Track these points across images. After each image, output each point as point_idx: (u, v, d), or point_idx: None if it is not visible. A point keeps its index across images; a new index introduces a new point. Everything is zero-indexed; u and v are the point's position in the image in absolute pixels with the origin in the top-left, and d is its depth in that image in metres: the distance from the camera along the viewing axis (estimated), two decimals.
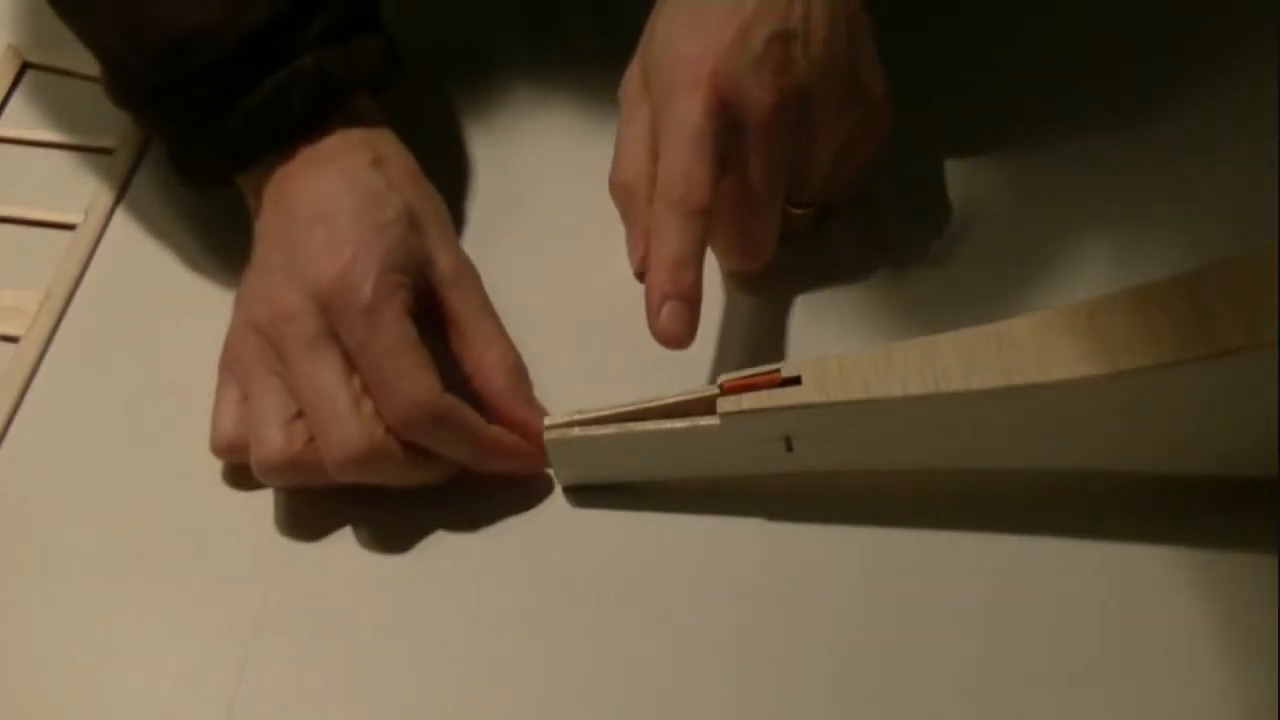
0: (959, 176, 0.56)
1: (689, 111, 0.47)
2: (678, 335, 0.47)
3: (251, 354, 0.48)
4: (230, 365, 0.49)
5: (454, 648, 0.46)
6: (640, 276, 0.48)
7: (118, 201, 0.58)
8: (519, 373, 0.49)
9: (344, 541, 0.48)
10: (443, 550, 0.48)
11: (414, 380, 0.45)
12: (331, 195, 0.49)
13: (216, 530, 0.49)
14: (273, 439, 0.46)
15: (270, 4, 0.49)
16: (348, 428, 0.45)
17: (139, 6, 0.49)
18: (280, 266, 0.48)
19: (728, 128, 0.47)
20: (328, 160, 0.50)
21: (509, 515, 0.49)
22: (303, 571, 0.48)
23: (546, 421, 0.47)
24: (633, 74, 0.51)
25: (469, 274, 0.50)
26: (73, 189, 0.58)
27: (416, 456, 0.47)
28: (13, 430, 0.51)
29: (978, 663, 0.45)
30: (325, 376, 0.46)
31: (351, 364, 0.46)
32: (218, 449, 0.49)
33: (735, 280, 0.53)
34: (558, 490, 0.49)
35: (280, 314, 0.47)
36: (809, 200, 0.52)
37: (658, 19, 0.50)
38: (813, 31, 0.48)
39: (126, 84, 0.51)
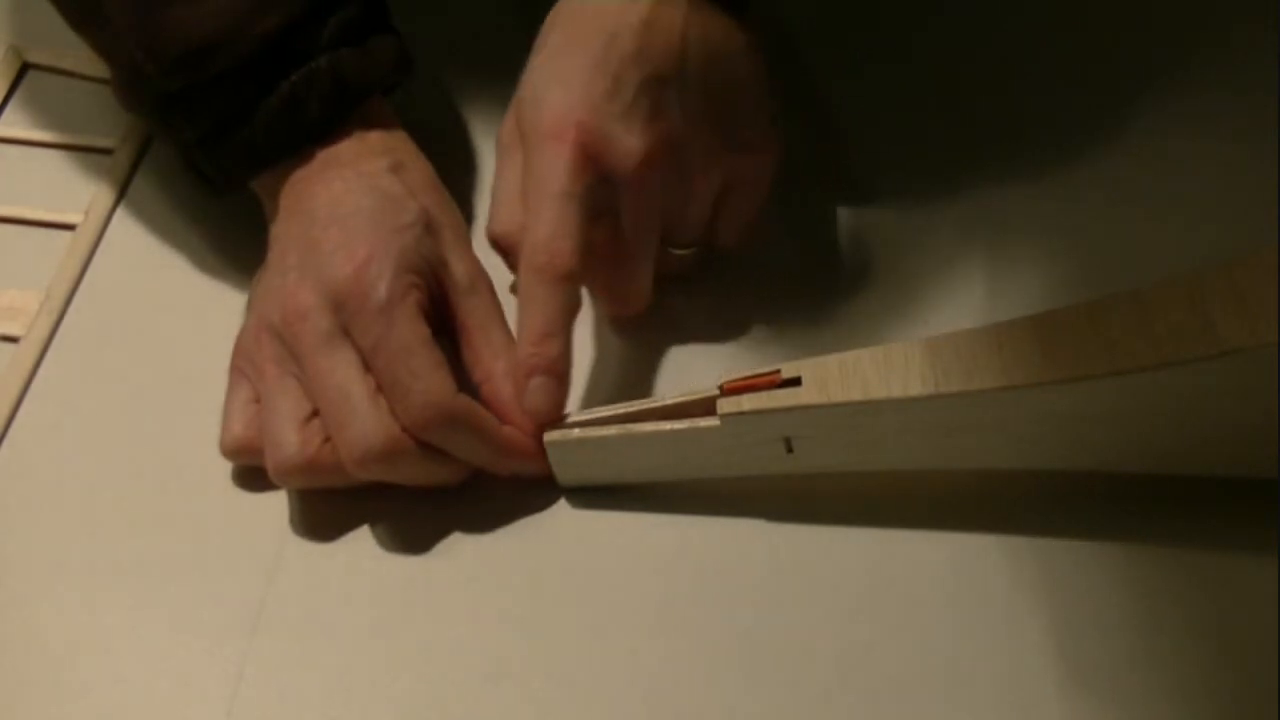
0: (958, 185, 0.56)
1: (554, 170, 0.46)
2: (545, 410, 0.47)
3: (264, 354, 0.48)
4: (242, 366, 0.49)
5: (454, 648, 0.46)
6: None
7: (118, 201, 0.58)
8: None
9: (343, 542, 0.48)
10: (443, 551, 0.48)
11: (429, 380, 0.45)
12: (349, 197, 0.49)
13: (216, 530, 0.49)
14: (289, 441, 0.46)
15: (286, 8, 0.49)
16: (367, 422, 0.45)
17: (157, 15, 0.49)
18: (295, 266, 0.48)
19: (596, 182, 0.47)
20: (346, 164, 0.50)
21: (509, 516, 0.49)
22: (302, 572, 0.48)
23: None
24: (508, 121, 0.50)
25: (483, 282, 0.50)
26: (73, 189, 0.58)
27: (433, 455, 0.47)
28: (13, 430, 0.51)
29: (977, 662, 0.45)
30: (341, 372, 0.46)
31: (365, 364, 0.46)
32: (227, 450, 0.49)
33: (732, 282, 0.53)
34: (558, 491, 0.49)
35: (294, 312, 0.47)
36: (688, 245, 0.52)
37: (530, 66, 0.49)
38: (689, 79, 0.48)
39: (141, 90, 0.50)
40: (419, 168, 0.51)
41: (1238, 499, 0.46)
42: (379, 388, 0.46)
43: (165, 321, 0.54)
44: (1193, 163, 0.56)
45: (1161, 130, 0.57)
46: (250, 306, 0.50)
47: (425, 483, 0.47)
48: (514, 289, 0.49)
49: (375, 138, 0.51)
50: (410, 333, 0.46)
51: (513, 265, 0.49)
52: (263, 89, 0.49)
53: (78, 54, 0.60)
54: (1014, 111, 0.58)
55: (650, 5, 0.48)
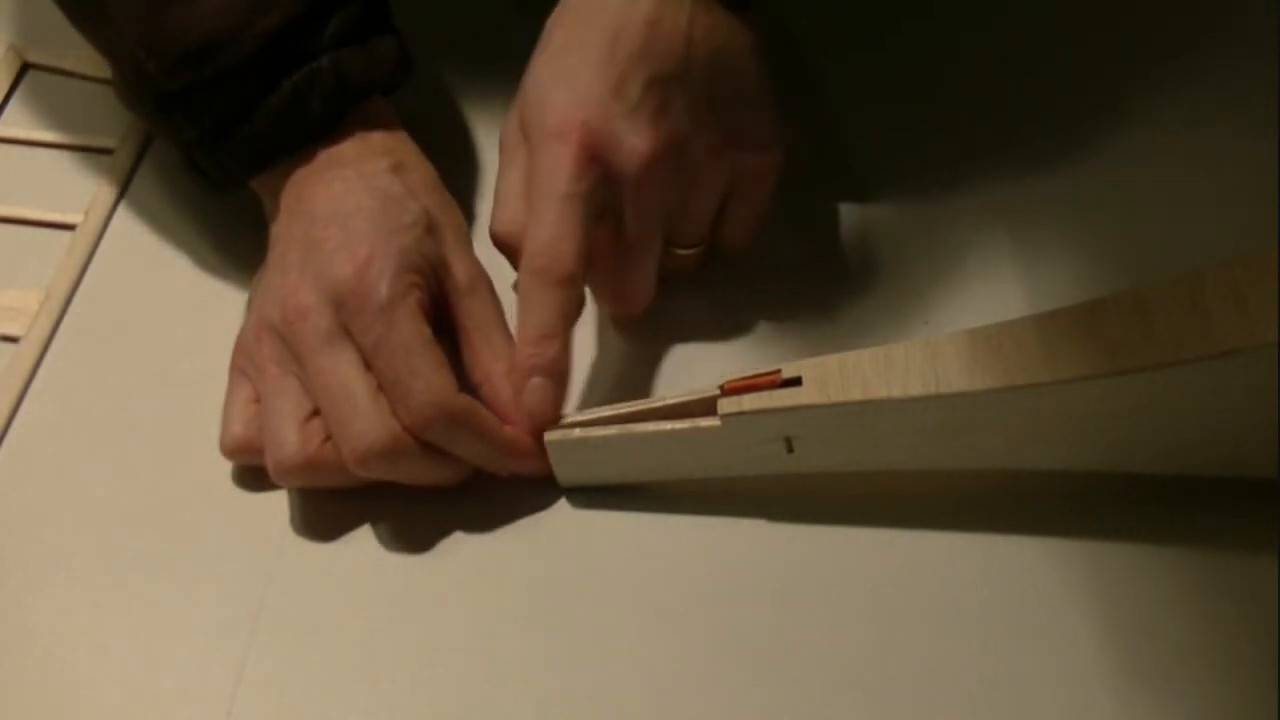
0: (958, 184, 0.56)
1: (557, 170, 0.46)
2: (542, 411, 0.47)
3: (265, 353, 0.48)
4: (242, 365, 0.49)
5: (454, 648, 0.46)
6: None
7: (118, 201, 0.58)
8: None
9: (343, 542, 0.48)
10: (443, 551, 0.48)
11: (430, 380, 0.45)
12: (350, 197, 0.49)
13: (216, 530, 0.49)
14: (289, 440, 0.46)
15: (288, 7, 0.49)
16: (368, 421, 0.45)
17: (159, 13, 0.49)
18: (296, 266, 0.48)
19: (600, 182, 0.47)
20: (347, 164, 0.50)
21: (509, 516, 0.49)
22: (302, 571, 0.48)
23: None
24: (511, 120, 0.50)
25: (484, 283, 0.50)
26: (73, 189, 0.58)
27: (433, 455, 0.47)
28: (13, 430, 0.51)
29: (978, 662, 0.45)
30: (342, 371, 0.46)
31: (366, 363, 0.46)
32: (228, 450, 0.49)
33: (732, 282, 0.53)
34: (559, 491, 0.49)
35: (294, 311, 0.47)
36: (692, 244, 0.52)
37: (533, 65, 0.49)
38: (693, 77, 0.48)
39: (143, 89, 0.50)
40: (420, 168, 0.51)
41: (1238, 499, 0.46)
42: (380, 387, 0.46)
43: (165, 321, 0.54)
44: (1200, 158, 0.56)
45: (1167, 125, 0.57)
46: (250, 306, 0.50)
47: (426, 482, 0.47)
48: (516, 288, 0.49)
49: (376, 138, 0.51)
50: (411, 332, 0.46)
51: (516, 265, 0.49)
52: (264, 88, 0.49)
53: (78, 54, 0.60)
54: (1014, 111, 0.58)
55: (654, 4, 0.48)
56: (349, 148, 0.50)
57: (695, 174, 0.49)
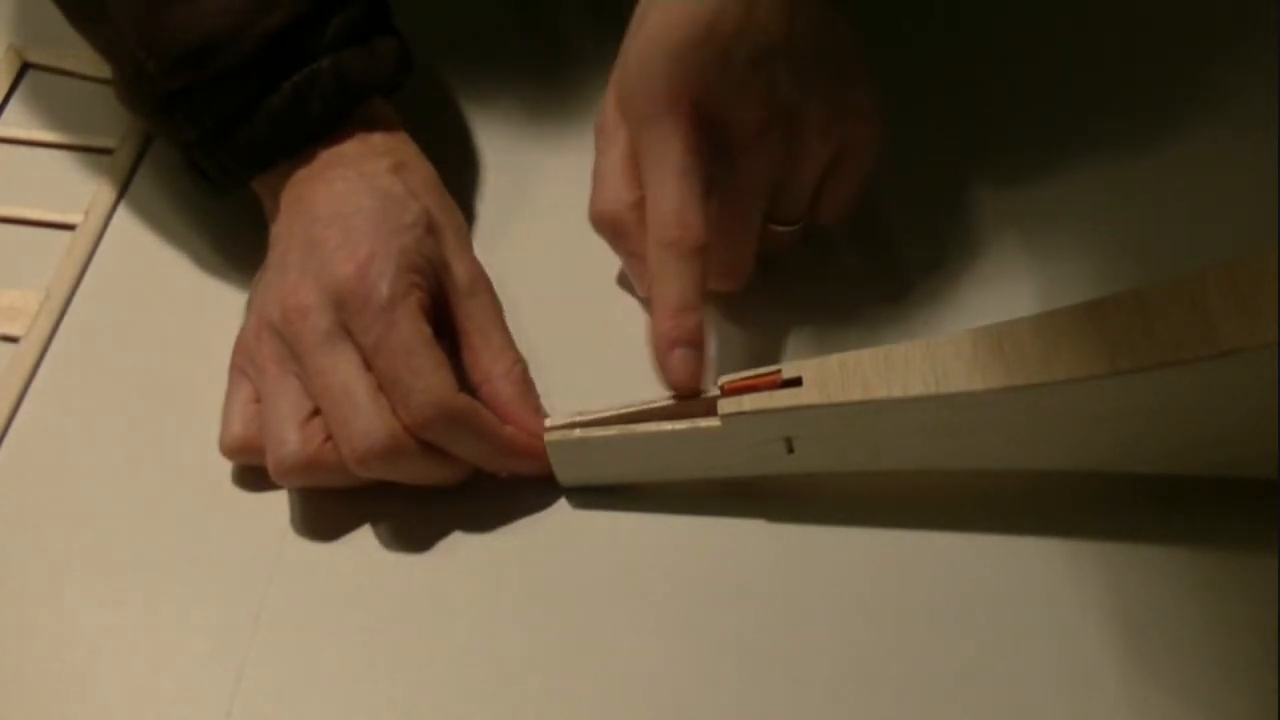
0: (958, 184, 0.56)
1: (671, 143, 0.46)
2: (689, 382, 0.47)
3: (265, 353, 0.48)
4: (243, 365, 0.49)
5: (454, 648, 0.46)
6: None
7: (118, 201, 0.58)
8: (526, 384, 0.49)
9: (343, 542, 0.48)
10: (443, 551, 0.48)
11: (430, 379, 0.45)
12: (351, 197, 0.49)
13: (216, 530, 0.49)
14: (290, 439, 0.46)
15: (289, 7, 0.49)
16: (368, 420, 0.45)
17: (159, 14, 0.49)
18: (296, 265, 0.48)
19: (711, 155, 0.47)
20: (348, 164, 0.50)
21: (509, 516, 0.49)
22: (301, 571, 0.48)
23: (547, 423, 0.47)
24: (609, 101, 0.50)
25: (483, 284, 0.50)
26: (73, 189, 0.58)
27: (433, 454, 0.47)
28: (13, 430, 0.51)
29: (978, 663, 0.45)
30: (343, 370, 0.46)
31: (366, 363, 0.46)
32: (227, 450, 0.49)
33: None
34: (559, 491, 0.49)
35: (294, 310, 0.47)
36: (794, 219, 0.52)
37: (631, 43, 0.49)
38: (796, 48, 0.48)
39: (143, 90, 0.50)
40: (421, 168, 0.51)
41: (1238, 499, 0.46)
42: (380, 387, 0.46)
43: (165, 321, 0.54)
44: (1201, 158, 0.56)
45: (1172, 125, 0.57)
46: (251, 305, 0.50)
47: (426, 482, 0.47)
48: (631, 271, 0.49)
49: (377, 138, 0.51)
50: (412, 332, 0.46)
51: (616, 244, 0.49)
52: (265, 88, 0.49)
53: (78, 54, 0.60)
54: (1014, 111, 0.58)
55: None
56: (349, 148, 0.50)
57: (801, 147, 0.49)
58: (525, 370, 0.49)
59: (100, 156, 0.59)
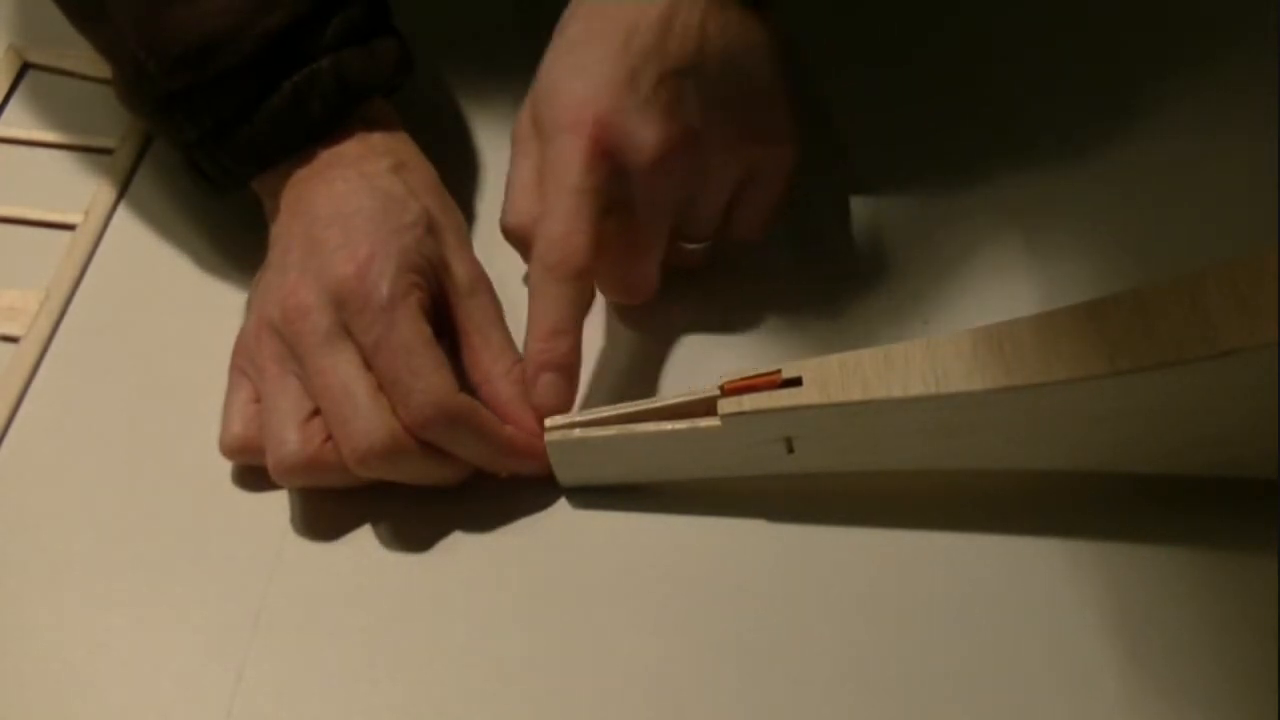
0: (958, 185, 0.56)
1: (569, 163, 0.47)
2: (553, 406, 0.47)
3: (265, 353, 0.48)
4: (243, 365, 0.49)
5: (454, 648, 0.46)
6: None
7: (118, 201, 0.58)
8: (525, 384, 0.49)
9: (343, 541, 0.48)
10: (443, 551, 0.48)
11: (430, 379, 0.45)
12: (351, 197, 0.49)
13: (216, 530, 0.49)
14: (289, 439, 0.46)
15: (289, 7, 0.49)
16: (368, 420, 0.45)
17: (159, 13, 0.49)
18: (296, 265, 0.48)
19: (612, 175, 0.47)
20: (348, 165, 0.50)
21: (509, 516, 0.49)
22: (301, 571, 0.48)
23: (547, 423, 0.47)
24: (524, 114, 0.50)
25: (484, 284, 0.50)
26: (73, 189, 0.58)
27: (433, 454, 0.47)
28: (13, 430, 0.51)
29: (977, 662, 0.45)
30: (343, 370, 0.46)
31: (366, 363, 0.46)
32: (227, 450, 0.49)
33: (733, 282, 0.53)
34: (559, 491, 0.49)
35: (294, 309, 0.47)
36: (702, 238, 0.52)
37: (547, 58, 0.49)
38: (706, 69, 0.48)
39: (144, 90, 0.50)
40: (421, 169, 0.51)
41: (1238, 499, 0.46)
42: (380, 387, 0.46)
43: (165, 321, 0.54)
44: (1202, 158, 0.56)
45: (1172, 124, 0.57)
46: (251, 305, 0.50)
47: (426, 482, 0.47)
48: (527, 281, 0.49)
49: (377, 138, 0.51)
50: (412, 332, 0.46)
51: (526, 258, 0.49)
52: (265, 88, 0.49)
53: (78, 54, 0.60)
54: (1014, 111, 0.58)
55: (668, 1, 0.48)
56: (350, 148, 0.50)
57: (706, 168, 0.49)
58: (524, 370, 0.49)
59: (100, 156, 0.59)
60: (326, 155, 0.50)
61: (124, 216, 0.57)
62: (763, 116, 0.50)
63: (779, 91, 0.50)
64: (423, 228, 0.49)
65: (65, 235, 0.56)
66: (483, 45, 0.61)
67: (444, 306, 0.49)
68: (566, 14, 0.50)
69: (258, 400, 0.48)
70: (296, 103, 0.49)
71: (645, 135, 0.47)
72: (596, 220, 0.47)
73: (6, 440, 0.51)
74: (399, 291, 0.46)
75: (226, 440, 0.48)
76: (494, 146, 0.58)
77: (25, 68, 0.62)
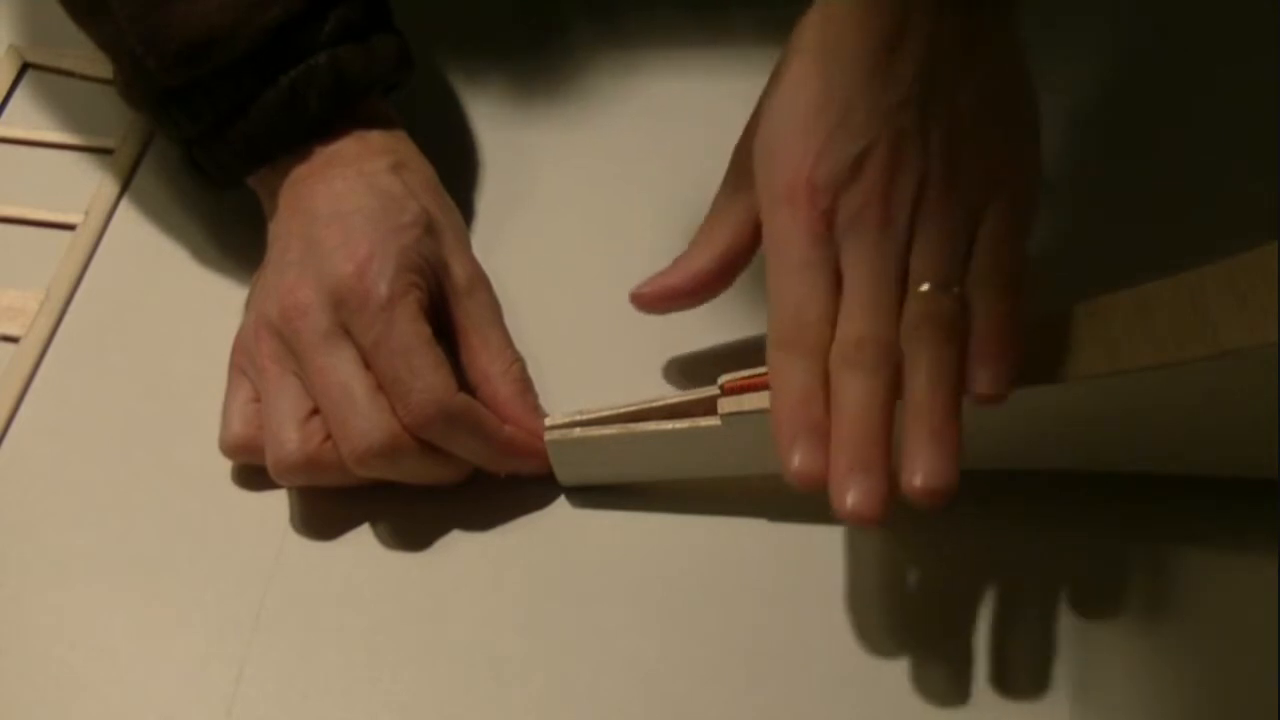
0: None
1: (790, 238, 0.43)
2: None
3: (264, 352, 0.48)
4: (242, 364, 0.49)
5: (454, 648, 0.46)
6: (634, 299, 0.48)
7: (118, 201, 0.58)
8: (525, 383, 0.49)
9: (343, 541, 0.48)
10: (443, 550, 0.48)
11: (429, 379, 0.45)
12: (350, 196, 0.49)
13: (215, 530, 0.49)
14: (289, 439, 0.46)
15: (287, 3, 0.49)
16: (368, 419, 0.45)
17: (159, 9, 0.49)
18: (295, 264, 0.48)
19: (831, 240, 0.43)
20: (347, 163, 0.50)
21: (510, 515, 0.49)
22: (301, 571, 0.48)
23: (547, 422, 0.47)
24: (743, 144, 0.47)
25: (482, 284, 0.50)
26: (73, 189, 0.58)
27: (433, 454, 0.47)
28: (13, 430, 0.51)
29: (979, 662, 0.45)
30: (342, 369, 0.46)
31: (366, 362, 0.46)
32: (227, 449, 0.49)
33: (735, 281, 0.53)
34: (559, 491, 0.49)
35: (293, 309, 0.47)
36: (943, 282, 0.44)
37: (769, 93, 0.46)
38: (930, 127, 0.43)
39: (143, 85, 0.50)
40: (420, 168, 0.51)
41: (1238, 499, 0.46)
42: (379, 386, 0.46)
43: (165, 321, 0.54)
44: (1202, 158, 0.56)
45: (1172, 124, 0.57)
46: (250, 304, 0.50)
47: (425, 481, 0.47)
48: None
49: (376, 137, 0.51)
50: (411, 331, 0.46)
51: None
52: (262, 84, 0.49)
53: (78, 54, 0.60)
54: None
55: (894, 22, 0.43)
56: (348, 146, 0.50)
57: (943, 208, 0.43)
58: (524, 369, 0.50)
59: (100, 156, 0.59)
60: (325, 153, 0.50)
61: (124, 216, 0.57)
62: (1004, 140, 0.45)
63: (1019, 109, 0.45)
64: (421, 227, 0.49)
65: (65, 235, 0.56)
66: (483, 44, 0.61)
67: (443, 306, 0.49)
68: (791, 42, 0.45)
69: (257, 400, 0.48)
70: (294, 98, 0.49)
71: (857, 196, 0.43)
72: (829, 288, 0.43)
73: (6, 440, 0.51)
74: (398, 291, 0.46)
75: (226, 439, 0.48)
76: (494, 146, 0.58)
77: (25, 68, 0.62)
